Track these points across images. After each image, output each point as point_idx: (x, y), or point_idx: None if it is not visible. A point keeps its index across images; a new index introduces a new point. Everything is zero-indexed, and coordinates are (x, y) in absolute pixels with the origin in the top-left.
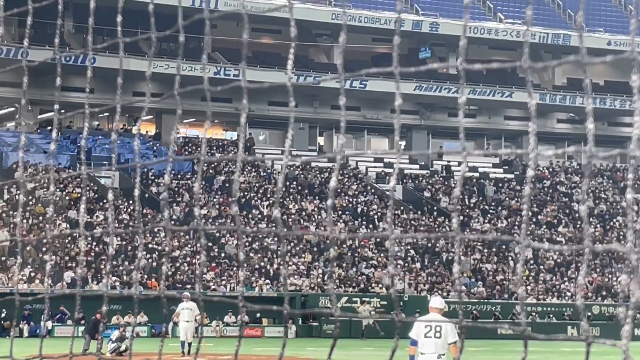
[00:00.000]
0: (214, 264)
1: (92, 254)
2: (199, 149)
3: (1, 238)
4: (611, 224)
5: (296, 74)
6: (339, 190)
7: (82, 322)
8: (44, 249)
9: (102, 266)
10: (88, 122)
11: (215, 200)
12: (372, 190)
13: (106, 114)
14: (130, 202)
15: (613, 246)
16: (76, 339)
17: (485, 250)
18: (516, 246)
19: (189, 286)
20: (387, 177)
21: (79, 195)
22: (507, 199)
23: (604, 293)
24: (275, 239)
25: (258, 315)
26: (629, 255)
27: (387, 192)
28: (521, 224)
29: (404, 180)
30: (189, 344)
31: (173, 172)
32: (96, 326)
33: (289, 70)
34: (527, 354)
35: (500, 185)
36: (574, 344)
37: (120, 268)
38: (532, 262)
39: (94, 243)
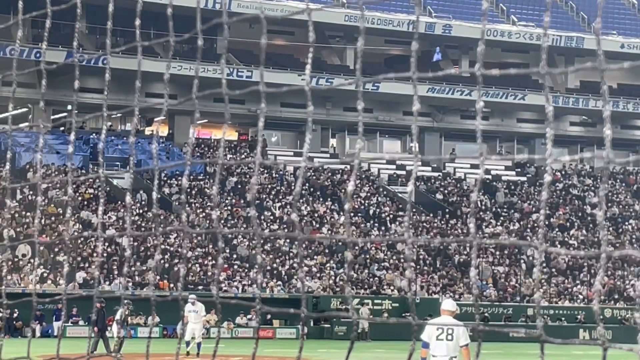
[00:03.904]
0: (225, 265)
1: (104, 254)
2: (211, 150)
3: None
4: (623, 227)
5: (309, 75)
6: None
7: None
8: (56, 250)
9: (114, 267)
10: (105, 124)
11: (227, 201)
12: (384, 192)
13: (118, 115)
14: (143, 202)
15: (629, 252)
16: (89, 339)
17: (497, 253)
18: (533, 250)
19: (200, 287)
20: (399, 179)
21: (91, 195)
22: (519, 201)
23: (616, 296)
24: (288, 240)
25: (269, 316)
26: None
27: (399, 194)
28: (534, 227)
29: (416, 183)
30: (199, 344)
31: (185, 173)
32: (99, 315)
33: (307, 75)
34: (544, 358)
35: (512, 188)
36: (586, 348)
37: (133, 269)
38: (544, 264)
39: (106, 244)
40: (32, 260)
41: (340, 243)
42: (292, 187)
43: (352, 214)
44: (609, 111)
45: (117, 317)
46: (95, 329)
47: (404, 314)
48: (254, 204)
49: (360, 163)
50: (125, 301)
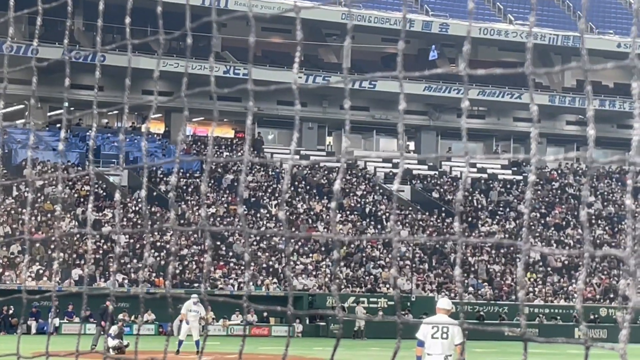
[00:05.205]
0: (221, 263)
1: (100, 251)
2: (207, 147)
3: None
4: (619, 226)
5: (305, 73)
6: (347, 190)
7: (91, 319)
8: (52, 246)
9: (110, 264)
10: (97, 122)
11: (223, 199)
12: (380, 191)
13: (115, 111)
14: (139, 199)
15: (612, 251)
16: (83, 336)
17: (493, 252)
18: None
19: (196, 285)
20: (395, 177)
21: (87, 192)
22: (515, 200)
23: (611, 296)
24: (283, 238)
25: (265, 314)
26: (627, 260)
27: (394, 193)
28: (530, 226)
29: (413, 181)
30: (197, 343)
31: (182, 170)
32: (105, 313)
33: (294, 72)
34: (527, 356)
35: (508, 186)
36: (581, 346)
37: (128, 266)
38: (540, 264)
39: (102, 241)
40: (25, 257)
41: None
42: (289, 185)
43: (348, 212)
44: (592, 111)
45: (111, 332)
46: (103, 323)
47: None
48: (242, 202)
49: (352, 160)
50: (120, 316)
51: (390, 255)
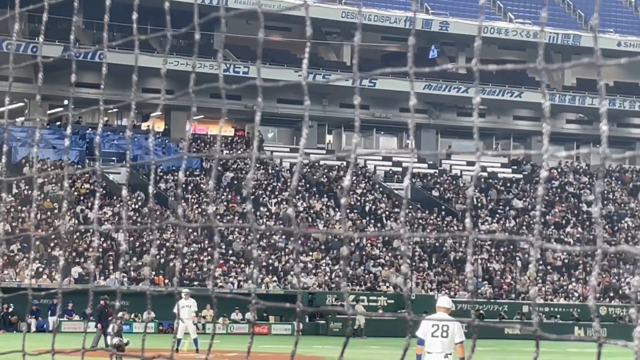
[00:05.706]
0: (221, 261)
1: (100, 249)
2: (207, 145)
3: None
4: (619, 225)
5: (306, 70)
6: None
7: (92, 318)
8: (52, 244)
9: (110, 262)
10: (102, 119)
11: (223, 197)
12: (380, 189)
13: (115, 110)
14: (138, 197)
15: (625, 247)
16: (86, 334)
17: (493, 250)
18: (528, 247)
19: (196, 283)
20: (395, 176)
21: (87, 190)
22: (515, 199)
23: (611, 294)
24: (283, 236)
25: (265, 313)
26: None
27: (395, 191)
28: (530, 224)
29: (412, 179)
30: (196, 340)
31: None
32: (102, 314)
33: (304, 70)
34: (539, 354)
35: (508, 185)
36: (581, 345)
37: (129, 264)
38: (540, 262)
39: (102, 239)
40: (27, 255)
41: (336, 239)
42: (288, 184)
43: (348, 211)
44: (605, 107)
45: (110, 330)
46: (99, 325)
47: (399, 311)
48: (249, 199)
49: (356, 158)
50: (119, 313)
51: (389, 254)
